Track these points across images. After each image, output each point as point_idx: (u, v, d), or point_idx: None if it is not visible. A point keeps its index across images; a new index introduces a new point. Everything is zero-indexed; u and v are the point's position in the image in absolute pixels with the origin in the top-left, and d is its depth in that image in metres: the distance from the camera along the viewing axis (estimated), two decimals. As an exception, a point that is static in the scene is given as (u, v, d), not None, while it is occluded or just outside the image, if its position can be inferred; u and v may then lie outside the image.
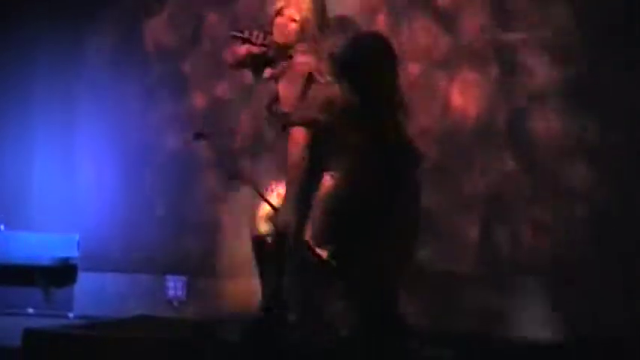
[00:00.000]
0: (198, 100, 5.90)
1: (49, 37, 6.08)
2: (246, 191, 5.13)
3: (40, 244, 5.67)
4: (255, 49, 4.50)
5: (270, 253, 4.45)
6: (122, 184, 5.93)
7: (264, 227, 4.47)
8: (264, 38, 4.46)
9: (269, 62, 4.51)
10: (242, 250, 5.56)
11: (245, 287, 5.52)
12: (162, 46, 6.00)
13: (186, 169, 5.84)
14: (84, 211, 5.91)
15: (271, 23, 4.48)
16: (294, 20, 4.47)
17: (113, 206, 5.90)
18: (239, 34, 4.48)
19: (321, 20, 4.51)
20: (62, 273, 5.62)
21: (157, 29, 6.01)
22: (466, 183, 5.40)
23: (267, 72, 4.51)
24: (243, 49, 4.53)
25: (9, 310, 5.51)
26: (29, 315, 5.54)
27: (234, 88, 5.77)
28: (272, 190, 4.44)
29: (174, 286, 5.71)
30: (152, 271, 5.77)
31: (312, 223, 4.23)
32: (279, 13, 4.49)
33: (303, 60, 4.40)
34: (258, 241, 4.49)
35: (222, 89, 5.85)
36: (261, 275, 4.50)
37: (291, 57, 4.43)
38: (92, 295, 5.69)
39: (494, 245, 5.32)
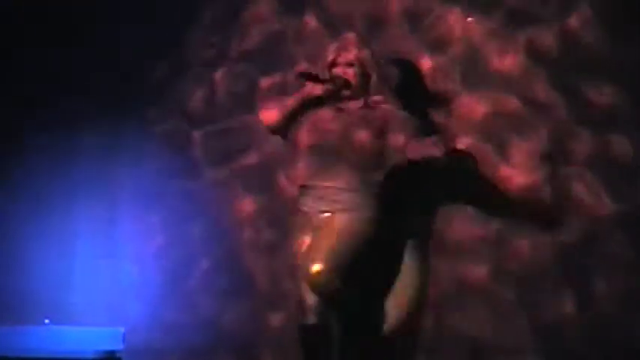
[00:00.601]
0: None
1: (90, 134, 6.18)
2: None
3: (84, 337, 5.67)
4: (318, 89, 4.52)
5: (318, 344, 4.45)
6: (165, 277, 5.96)
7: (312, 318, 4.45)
8: (330, 73, 4.53)
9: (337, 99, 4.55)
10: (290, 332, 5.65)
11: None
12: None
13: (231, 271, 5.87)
14: (128, 305, 5.94)
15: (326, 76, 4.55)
16: (350, 65, 4.53)
17: (157, 299, 5.92)
18: (306, 74, 4.52)
19: (375, 57, 4.59)
20: (107, 366, 5.62)
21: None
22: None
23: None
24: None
25: (54, 406, 5.51)
26: (74, 410, 5.54)
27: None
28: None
29: (220, 378, 5.71)
30: (198, 362, 5.78)
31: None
32: (333, 64, 4.55)
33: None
34: (305, 331, 4.47)
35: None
36: None
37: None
38: (138, 387, 5.71)
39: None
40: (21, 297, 6.00)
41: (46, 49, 6.16)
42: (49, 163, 6.16)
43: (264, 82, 5.79)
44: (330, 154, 4.46)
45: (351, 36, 4.63)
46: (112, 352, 5.63)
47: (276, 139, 4.90)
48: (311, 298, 4.39)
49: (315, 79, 4.48)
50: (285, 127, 4.62)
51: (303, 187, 4.53)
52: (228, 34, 5.97)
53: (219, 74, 5.98)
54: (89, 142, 6.16)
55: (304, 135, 4.54)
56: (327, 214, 4.42)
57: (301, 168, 4.54)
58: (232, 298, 5.84)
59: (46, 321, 5.80)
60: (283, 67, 5.70)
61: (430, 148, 4.25)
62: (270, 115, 4.62)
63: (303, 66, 4.96)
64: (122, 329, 5.69)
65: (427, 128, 4.76)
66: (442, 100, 5.15)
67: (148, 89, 6.11)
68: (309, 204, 4.48)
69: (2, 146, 6.19)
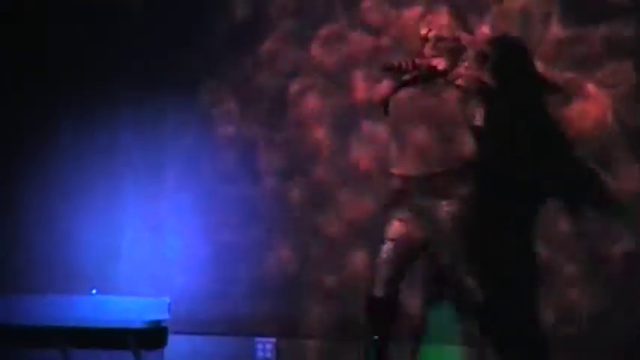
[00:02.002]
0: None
1: (134, 108, 6.26)
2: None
3: (131, 307, 5.77)
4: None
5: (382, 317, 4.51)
6: (210, 247, 6.03)
7: (379, 291, 4.51)
8: (414, 63, 4.51)
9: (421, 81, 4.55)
10: (330, 310, 5.70)
11: (334, 348, 5.60)
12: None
13: (270, 230, 5.94)
14: (172, 275, 6.03)
15: (420, 54, 4.55)
16: (442, 39, 4.54)
17: (202, 269, 5.99)
18: (390, 66, 4.51)
19: (468, 31, 4.59)
20: (153, 336, 5.70)
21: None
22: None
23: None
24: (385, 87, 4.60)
25: (101, 374, 5.62)
26: (121, 378, 5.64)
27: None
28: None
29: (264, 347, 5.76)
30: (241, 333, 5.83)
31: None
32: (425, 39, 4.55)
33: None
34: (372, 304, 4.53)
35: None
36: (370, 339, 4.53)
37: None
38: (183, 357, 5.77)
39: None
40: (69, 268, 6.11)
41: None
42: (94, 137, 6.25)
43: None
44: (420, 142, 4.49)
45: (443, 11, 4.64)
46: (158, 321, 5.72)
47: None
48: (383, 272, 4.47)
49: (399, 70, 4.49)
50: (387, 104, 4.67)
51: (402, 176, 4.53)
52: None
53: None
54: (133, 115, 6.23)
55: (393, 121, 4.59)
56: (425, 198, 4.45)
57: (398, 157, 4.54)
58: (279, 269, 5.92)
59: (93, 291, 5.90)
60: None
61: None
62: (381, 91, 4.68)
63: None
64: (168, 299, 5.78)
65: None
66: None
67: (197, 62, 6.16)
68: (408, 191, 4.50)
69: (47, 122, 6.31)
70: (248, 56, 6.03)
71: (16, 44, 6.30)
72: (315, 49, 5.86)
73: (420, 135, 4.47)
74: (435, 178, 4.43)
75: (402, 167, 4.52)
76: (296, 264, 5.87)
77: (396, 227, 4.52)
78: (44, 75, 6.29)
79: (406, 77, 4.51)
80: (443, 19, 4.52)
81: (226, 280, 5.94)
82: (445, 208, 4.39)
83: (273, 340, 5.77)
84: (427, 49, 4.51)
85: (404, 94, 4.53)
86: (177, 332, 5.79)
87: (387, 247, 4.51)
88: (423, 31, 4.53)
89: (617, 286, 5.11)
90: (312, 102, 5.86)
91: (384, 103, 4.60)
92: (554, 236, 5.16)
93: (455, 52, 4.51)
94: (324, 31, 5.84)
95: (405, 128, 4.52)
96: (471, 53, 4.52)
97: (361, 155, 5.66)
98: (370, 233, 5.23)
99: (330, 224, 5.76)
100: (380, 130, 5.37)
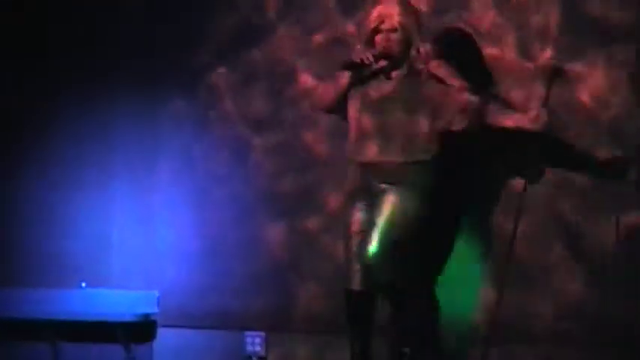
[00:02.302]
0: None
1: (128, 102, 6.24)
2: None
3: (120, 300, 5.75)
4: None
5: (362, 310, 4.46)
6: (200, 240, 6.02)
7: (356, 284, 4.46)
8: (374, 56, 4.41)
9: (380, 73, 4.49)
10: (319, 304, 5.68)
11: (323, 342, 5.58)
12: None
13: (259, 224, 5.92)
14: (163, 268, 6.01)
15: (370, 42, 4.47)
16: (394, 30, 4.48)
17: (192, 263, 5.98)
18: (350, 64, 4.41)
19: (418, 25, 4.53)
20: (142, 329, 5.68)
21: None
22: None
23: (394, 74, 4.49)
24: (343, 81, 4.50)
25: (91, 366, 5.60)
26: (111, 371, 5.62)
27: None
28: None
29: (253, 341, 5.74)
30: (231, 327, 5.81)
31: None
32: (376, 30, 4.51)
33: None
34: (351, 297, 4.49)
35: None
36: (353, 333, 4.48)
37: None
38: (172, 350, 5.75)
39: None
40: (58, 260, 6.08)
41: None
42: (87, 129, 6.22)
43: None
44: (382, 129, 4.44)
45: (393, 2, 4.58)
46: (147, 314, 5.70)
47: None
48: (357, 266, 4.41)
49: (358, 66, 4.45)
50: (338, 105, 4.58)
51: (362, 164, 4.49)
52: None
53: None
54: (127, 107, 6.20)
55: (353, 111, 4.52)
56: (384, 185, 4.40)
57: (358, 145, 4.50)
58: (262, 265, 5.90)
59: (83, 284, 5.87)
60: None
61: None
62: (323, 94, 4.62)
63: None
64: (157, 293, 5.75)
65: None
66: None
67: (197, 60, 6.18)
68: (368, 179, 4.45)
69: (39, 113, 6.27)
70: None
71: (16, 40, 6.27)
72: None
73: (382, 123, 4.44)
74: (395, 168, 4.39)
75: (363, 155, 4.48)
76: (287, 259, 5.86)
77: (357, 218, 4.46)
78: (43, 68, 6.26)
79: (366, 72, 4.46)
80: (393, 9, 4.48)
81: (217, 274, 5.94)
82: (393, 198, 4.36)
83: (263, 334, 5.75)
84: (379, 40, 4.47)
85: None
86: (166, 325, 5.76)
87: (354, 241, 4.44)
88: (374, 23, 4.49)
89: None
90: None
91: (336, 103, 4.58)
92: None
93: (407, 42, 4.48)
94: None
95: (366, 116, 4.48)
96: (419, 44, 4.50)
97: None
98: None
99: (318, 220, 5.78)
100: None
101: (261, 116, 6.03)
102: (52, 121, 6.25)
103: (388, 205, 4.36)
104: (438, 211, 4.44)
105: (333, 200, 5.71)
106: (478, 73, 4.68)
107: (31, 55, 6.24)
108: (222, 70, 6.11)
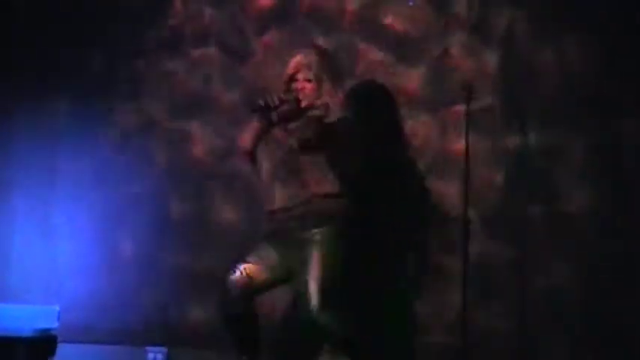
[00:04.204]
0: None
1: (27, 113, 6.17)
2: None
3: (20, 315, 5.67)
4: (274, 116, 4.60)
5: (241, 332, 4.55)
6: (101, 255, 6.00)
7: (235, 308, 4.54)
8: (280, 98, 4.56)
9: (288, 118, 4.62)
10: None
11: (227, 357, 5.60)
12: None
13: (161, 239, 5.94)
14: (64, 283, 5.97)
15: (286, 91, 4.62)
16: (308, 80, 4.60)
17: (93, 277, 5.95)
18: (258, 107, 4.54)
19: (334, 75, 4.65)
20: (42, 344, 5.62)
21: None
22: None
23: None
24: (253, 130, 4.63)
25: (-12, 383, 5.52)
26: (8, 387, 5.54)
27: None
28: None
29: (155, 357, 5.74)
30: (132, 342, 5.80)
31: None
32: (292, 79, 4.62)
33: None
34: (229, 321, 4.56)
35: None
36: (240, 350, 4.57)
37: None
38: (72, 366, 5.73)
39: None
40: (-43, 275, 6.01)
41: None
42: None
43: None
44: (289, 173, 4.55)
45: (309, 55, 4.70)
46: (47, 330, 5.65)
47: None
48: (236, 290, 4.49)
49: (268, 108, 4.55)
50: (253, 151, 4.72)
51: (272, 212, 4.58)
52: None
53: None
54: (26, 121, 6.14)
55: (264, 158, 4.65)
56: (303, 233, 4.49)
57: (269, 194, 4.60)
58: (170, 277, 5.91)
59: (-18, 299, 5.80)
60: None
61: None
62: (244, 139, 4.72)
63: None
64: (57, 307, 5.71)
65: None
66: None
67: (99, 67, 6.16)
68: (281, 223, 4.54)
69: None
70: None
71: None
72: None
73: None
74: (304, 209, 4.50)
75: (273, 204, 4.60)
76: (189, 271, 5.87)
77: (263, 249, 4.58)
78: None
79: (274, 116, 4.57)
80: (310, 58, 4.62)
81: (117, 288, 5.92)
82: (315, 237, 4.46)
83: (165, 349, 5.75)
84: (295, 86, 4.61)
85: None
86: (67, 341, 5.72)
87: (242, 268, 4.53)
88: (291, 70, 4.62)
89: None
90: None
91: (250, 153, 4.68)
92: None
93: (319, 92, 4.62)
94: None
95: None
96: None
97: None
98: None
99: (220, 232, 5.84)
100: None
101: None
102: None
103: (314, 254, 4.45)
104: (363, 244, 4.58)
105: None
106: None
107: None
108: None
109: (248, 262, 4.53)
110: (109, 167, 6.07)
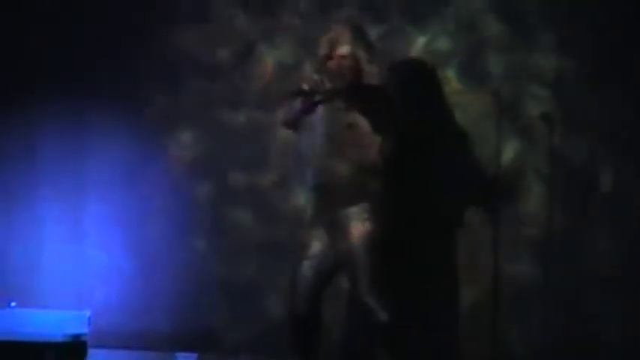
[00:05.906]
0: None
1: (53, 120, 6.20)
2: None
3: (50, 320, 5.69)
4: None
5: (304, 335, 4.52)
6: (132, 261, 6.00)
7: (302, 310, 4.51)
8: (323, 85, 4.58)
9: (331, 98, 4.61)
10: (254, 325, 5.71)
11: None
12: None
13: (192, 244, 5.94)
14: (94, 288, 5.99)
15: (321, 70, 4.60)
16: (344, 57, 4.56)
17: (123, 283, 5.96)
18: (302, 90, 4.57)
19: (367, 46, 4.62)
20: (73, 350, 5.63)
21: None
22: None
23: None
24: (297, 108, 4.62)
25: (20, 387, 5.54)
26: (39, 391, 5.56)
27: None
28: None
29: (185, 362, 5.75)
30: (162, 348, 5.80)
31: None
32: (328, 57, 4.58)
33: None
34: (295, 323, 4.53)
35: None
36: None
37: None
38: (103, 371, 5.74)
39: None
40: (-13, 280, 6.03)
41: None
42: (12, 150, 6.18)
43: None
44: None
45: (344, 29, 4.67)
46: (78, 335, 5.65)
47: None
48: (303, 290, 4.48)
49: (308, 94, 4.54)
50: (295, 124, 4.73)
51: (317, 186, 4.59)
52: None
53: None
54: (53, 125, 6.16)
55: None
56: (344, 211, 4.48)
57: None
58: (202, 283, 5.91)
59: (13, 304, 5.81)
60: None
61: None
62: (287, 119, 4.73)
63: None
64: (88, 313, 5.72)
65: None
66: None
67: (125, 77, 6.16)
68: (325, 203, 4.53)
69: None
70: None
71: None
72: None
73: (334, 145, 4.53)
74: (347, 185, 4.47)
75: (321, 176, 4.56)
76: (220, 279, 5.87)
77: (314, 245, 4.52)
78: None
79: (318, 97, 4.55)
80: (344, 37, 4.58)
81: (148, 293, 5.93)
82: (357, 225, 4.42)
83: (195, 355, 5.74)
84: (331, 66, 4.56)
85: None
86: (97, 346, 5.72)
87: (306, 265, 4.50)
88: (325, 50, 4.58)
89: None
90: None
91: (295, 123, 4.65)
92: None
93: (357, 70, 4.58)
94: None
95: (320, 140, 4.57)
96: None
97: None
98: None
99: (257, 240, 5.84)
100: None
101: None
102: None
103: (356, 235, 4.43)
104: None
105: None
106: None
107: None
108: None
109: (307, 260, 4.50)
110: (139, 172, 6.07)
